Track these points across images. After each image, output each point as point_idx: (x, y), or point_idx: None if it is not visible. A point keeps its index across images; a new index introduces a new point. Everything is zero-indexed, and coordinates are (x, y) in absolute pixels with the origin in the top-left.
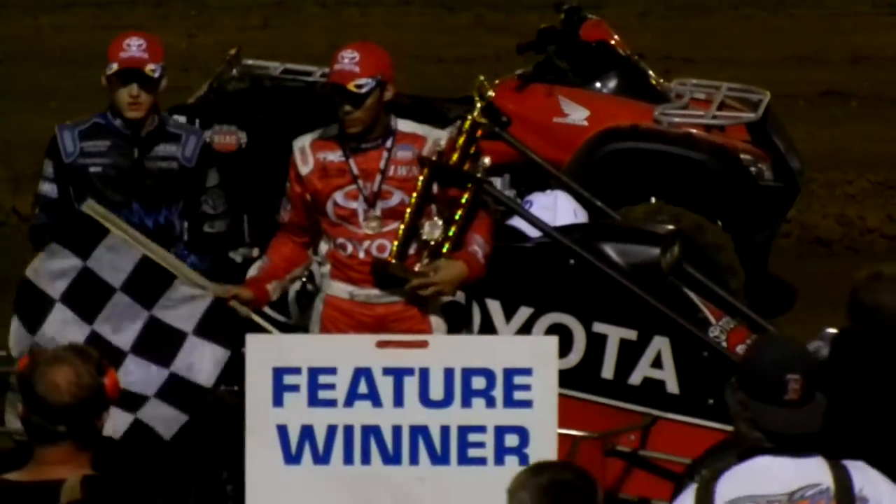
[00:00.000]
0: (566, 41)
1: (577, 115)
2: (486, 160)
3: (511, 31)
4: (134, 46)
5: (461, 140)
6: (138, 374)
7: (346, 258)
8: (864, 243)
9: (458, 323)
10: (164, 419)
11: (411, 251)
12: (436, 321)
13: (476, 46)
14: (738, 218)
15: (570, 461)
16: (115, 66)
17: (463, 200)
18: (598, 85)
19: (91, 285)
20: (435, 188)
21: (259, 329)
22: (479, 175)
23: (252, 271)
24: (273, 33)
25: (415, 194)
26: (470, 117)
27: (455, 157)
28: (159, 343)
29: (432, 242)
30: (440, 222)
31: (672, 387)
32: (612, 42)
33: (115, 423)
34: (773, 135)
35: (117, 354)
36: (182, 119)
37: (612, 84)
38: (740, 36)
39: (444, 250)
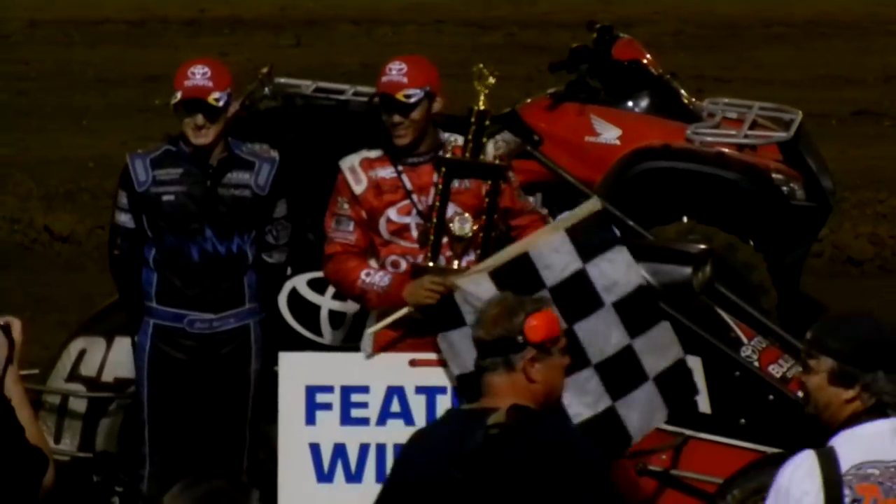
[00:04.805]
0: (598, 60)
1: (609, 134)
2: (495, 145)
3: (543, 50)
4: (198, 75)
5: (471, 132)
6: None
7: (399, 273)
8: None
9: None
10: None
11: (448, 254)
12: None
13: (508, 65)
14: (770, 237)
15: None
16: (178, 95)
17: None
18: (630, 104)
19: (582, 288)
20: (465, 185)
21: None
22: (497, 163)
23: (383, 280)
24: (305, 51)
25: (433, 196)
26: (475, 108)
27: (468, 149)
28: (622, 373)
29: (466, 237)
30: (468, 216)
31: (704, 406)
32: (645, 61)
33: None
34: (805, 154)
35: (582, 360)
36: (258, 146)
37: (644, 103)
38: (772, 55)
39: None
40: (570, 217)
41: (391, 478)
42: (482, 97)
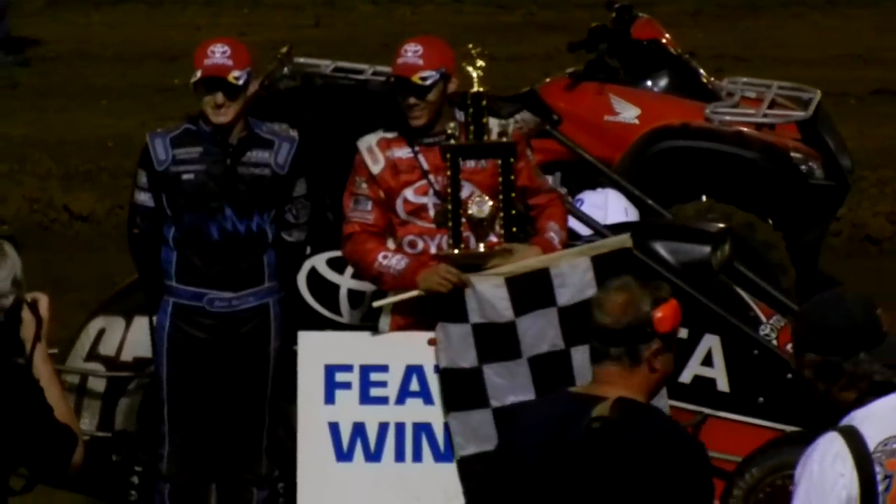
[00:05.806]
0: (618, 39)
1: (628, 113)
2: (514, 124)
3: (562, 30)
4: (218, 53)
5: (469, 114)
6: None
7: (417, 255)
8: None
9: None
10: None
11: (466, 234)
12: None
13: (527, 45)
14: (788, 216)
15: None
16: (198, 74)
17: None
18: (649, 83)
19: (494, 333)
20: (482, 164)
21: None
22: (503, 140)
23: (400, 264)
24: (325, 31)
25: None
26: (470, 91)
27: (470, 132)
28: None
29: (484, 219)
30: (485, 197)
31: (722, 385)
32: (664, 40)
33: None
34: (823, 133)
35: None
36: (277, 125)
37: (663, 82)
38: (791, 35)
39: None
40: (599, 245)
41: (495, 456)
42: (476, 79)
